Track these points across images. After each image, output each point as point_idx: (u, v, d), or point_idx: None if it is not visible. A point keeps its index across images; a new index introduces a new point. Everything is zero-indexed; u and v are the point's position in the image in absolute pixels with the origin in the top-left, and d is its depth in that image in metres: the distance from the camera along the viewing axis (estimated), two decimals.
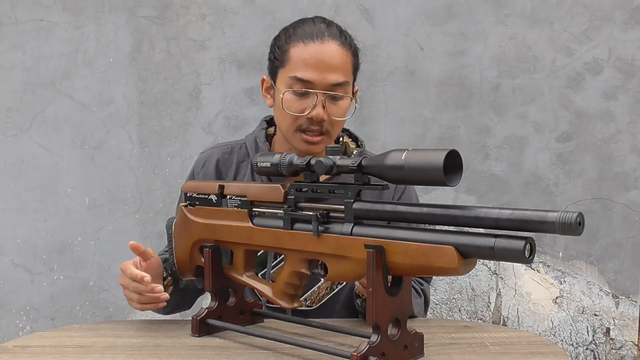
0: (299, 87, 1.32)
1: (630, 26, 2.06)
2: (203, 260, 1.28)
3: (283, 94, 1.34)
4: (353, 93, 1.40)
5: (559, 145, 2.09)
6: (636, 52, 2.06)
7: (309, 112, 1.32)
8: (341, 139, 1.49)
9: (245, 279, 1.25)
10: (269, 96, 1.42)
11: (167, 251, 1.58)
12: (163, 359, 1.14)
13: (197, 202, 1.29)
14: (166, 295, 1.26)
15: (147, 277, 1.24)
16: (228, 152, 1.51)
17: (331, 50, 1.33)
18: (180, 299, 1.43)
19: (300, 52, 1.33)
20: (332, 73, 1.32)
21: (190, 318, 1.28)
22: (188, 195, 1.31)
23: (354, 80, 1.40)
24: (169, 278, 1.39)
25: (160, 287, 1.26)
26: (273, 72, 1.39)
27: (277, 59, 1.37)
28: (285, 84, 1.34)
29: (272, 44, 1.40)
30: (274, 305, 1.36)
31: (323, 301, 1.43)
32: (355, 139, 1.50)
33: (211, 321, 1.25)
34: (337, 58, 1.33)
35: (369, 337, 1.01)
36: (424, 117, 2.11)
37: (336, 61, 1.33)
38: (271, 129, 1.51)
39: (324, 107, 1.32)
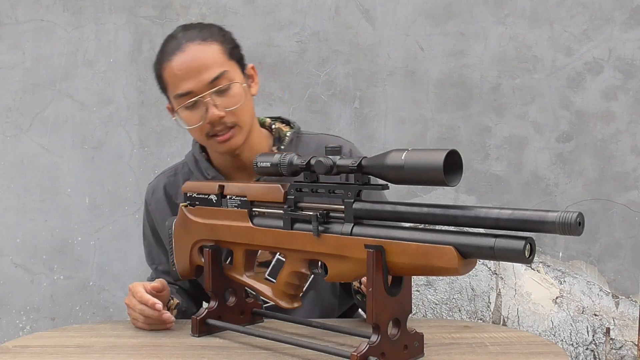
0: (184, 101, 1.33)
1: (630, 26, 2.06)
2: (203, 260, 1.28)
3: (178, 114, 1.35)
4: (245, 73, 1.39)
5: (559, 145, 2.09)
6: (636, 52, 2.06)
7: (205, 118, 1.32)
8: (273, 126, 1.49)
9: (245, 279, 1.25)
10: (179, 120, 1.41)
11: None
12: (163, 359, 1.14)
13: (197, 202, 1.29)
14: (172, 320, 1.30)
15: (159, 304, 1.26)
16: (173, 175, 1.52)
17: (192, 53, 1.33)
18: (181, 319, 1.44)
19: (169, 71, 1.34)
20: (203, 72, 1.32)
21: (190, 318, 1.29)
22: (188, 195, 1.31)
23: (239, 62, 1.39)
24: (173, 300, 1.40)
25: (168, 314, 1.29)
26: (168, 99, 1.40)
27: (162, 88, 1.39)
28: (176, 104, 1.35)
29: (154, 74, 1.41)
30: (270, 303, 1.37)
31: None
32: (287, 122, 1.50)
33: (211, 321, 1.25)
34: (201, 56, 1.33)
35: (369, 337, 1.01)
36: (424, 117, 2.11)
37: (201, 60, 1.33)
38: None
39: (215, 105, 1.32)
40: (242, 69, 1.40)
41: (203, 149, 1.48)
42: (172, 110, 1.41)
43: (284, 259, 1.20)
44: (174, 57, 1.33)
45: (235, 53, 1.39)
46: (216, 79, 1.32)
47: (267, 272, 1.43)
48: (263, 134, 1.47)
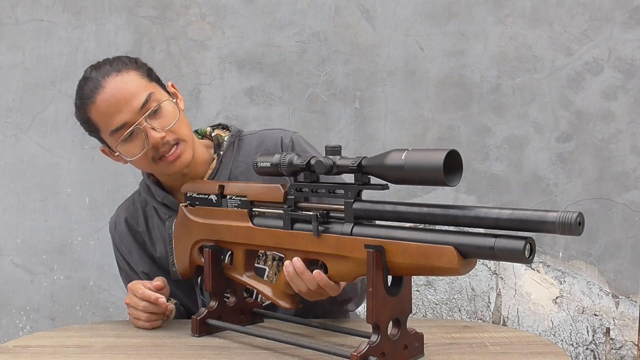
0: (122, 134, 1.30)
1: (630, 26, 2.06)
2: (203, 260, 1.28)
3: (117, 150, 1.32)
4: (169, 92, 1.37)
5: (559, 145, 2.09)
6: (636, 52, 2.06)
7: (148, 144, 1.30)
8: (212, 134, 1.46)
9: (245, 279, 1.25)
10: (121, 159, 1.38)
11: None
12: (163, 359, 1.14)
13: (197, 202, 1.29)
14: (172, 306, 1.32)
15: (162, 298, 1.27)
16: (131, 204, 1.51)
17: (113, 86, 1.30)
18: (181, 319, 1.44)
19: (96, 111, 1.31)
20: (131, 100, 1.29)
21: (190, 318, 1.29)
22: (188, 195, 1.31)
23: (159, 83, 1.37)
24: (171, 300, 1.41)
25: (171, 305, 1.31)
26: (102, 141, 1.37)
27: (92, 131, 1.36)
28: (114, 141, 1.32)
29: (78, 119, 1.37)
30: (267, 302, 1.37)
31: None
32: (225, 127, 1.47)
33: (211, 321, 1.25)
34: (123, 86, 1.30)
35: (369, 337, 1.01)
36: (424, 117, 2.11)
37: (125, 90, 1.30)
38: None
39: (153, 128, 1.29)
40: (164, 88, 1.37)
41: (150, 174, 1.45)
42: (108, 151, 1.37)
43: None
44: (96, 97, 1.30)
45: (152, 75, 1.36)
46: (145, 103, 1.30)
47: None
48: (204, 144, 1.44)
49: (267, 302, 1.37)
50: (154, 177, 1.45)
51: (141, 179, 1.49)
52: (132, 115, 1.29)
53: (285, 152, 1.12)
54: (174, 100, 1.35)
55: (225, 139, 1.43)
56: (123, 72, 1.31)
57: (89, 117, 1.32)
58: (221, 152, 1.41)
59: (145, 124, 1.29)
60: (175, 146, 1.32)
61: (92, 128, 1.34)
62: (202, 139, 1.46)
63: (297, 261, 1.11)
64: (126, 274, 1.53)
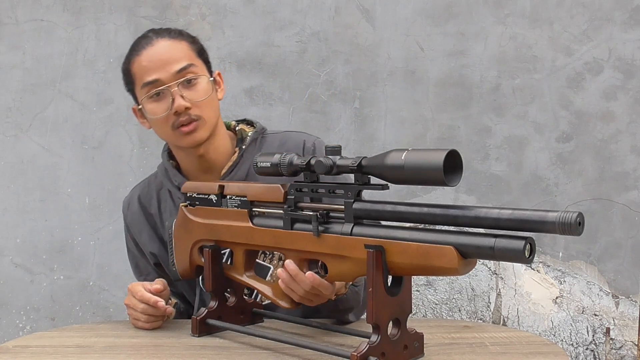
0: (151, 89, 1.35)
1: (630, 26, 2.06)
2: (203, 260, 1.28)
3: (142, 104, 1.37)
4: (212, 75, 1.42)
5: (559, 145, 2.09)
6: (636, 52, 2.06)
7: (171, 108, 1.34)
8: (237, 128, 1.50)
9: (245, 279, 1.25)
10: (145, 121, 1.43)
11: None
12: (163, 359, 1.14)
13: (197, 202, 1.29)
14: (172, 311, 1.32)
15: (161, 301, 1.27)
16: (146, 186, 1.53)
17: (161, 46, 1.37)
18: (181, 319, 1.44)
19: (138, 63, 1.37)
20: (172, 63, 1.35)
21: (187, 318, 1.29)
22: (188, 195, 1.31)
23: (207, 64, 1.43)
24: (172, 300, 1.41)
25: (170, 308, 1.31)
26: (134, 97, 1.42)
27: (129, 83, 1.41)
28: (142, 95, 1.37)
29: (122, 73, 1.44)
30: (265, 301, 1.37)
31: None
32: (250, 123, 1.51)
33: (211, 321, 1.25)
34: (171, 50, 1.37)
35: (369, 337, 1.01)
36: (424, 117, 2.11)
37: (170, 53, 1.37)
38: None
39: (182, 96, 1.34)
40: (210, 72, 1.42)
41: (171, 157, 1.49)
42: (137, 110, 1.42)
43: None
44: (143, 51, 1.37)
45: (203, 54, 1.43)
46: (183, 70, 1.36)
47: None
48: (228, 136, 1.48)
49: (267, 302, 1.37)
50: (175, 161, 1.48)
51: (160, 162, 1.52)
52: (166, 75, 1.34)
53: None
54: (212, 80, 1.40)
55: (250, 134, 1.46)
56: (175, 39, 1.39)
57: (130, 68, 1.39)
58: (243, 147, 1.44)
59: (175, 88, 1.34)
60: (194, 121, 1.36)
61: (129, 80, 1.40)
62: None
63: (290, 263, 1.12)
64: (133, 256, 1.55)
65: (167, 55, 1.36)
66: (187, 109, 1.34)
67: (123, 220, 1.55)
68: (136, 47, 1.39)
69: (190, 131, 1.36)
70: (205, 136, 1.38)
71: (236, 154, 1.44)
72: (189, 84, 1.36)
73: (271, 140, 1.47)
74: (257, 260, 1.31)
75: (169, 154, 1.49)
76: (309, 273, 1.10)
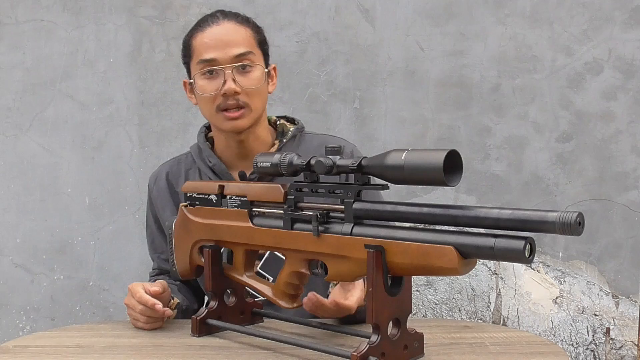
0: (205, 67, 1.38)
1: (630, 26, 2.06)
2: (203, 260, 1.28)
3: (194, 79, 1.40)
4: (267, 67, 1.45)
5: (559, 145, 2.09)
6: (636, 52, 2.06)
7: (221, 89, 1.37)
8: (278, 122, 1.54)
9: (245, 279, 1.25)
10: (192, 96, 1.47)
11: (154, 275, 1.60)
12: (163, 359, 1.14)
13: (197, 202, 1.29)
14: (171, 314, 1.32)
15: (159, 305, 1.27)
16: (176, 164, 1.56)
17: (227, 27, 1.40)
18: (182, 319, 1.44)
19: (199, 39, 1.40)
20: (233, 47, 1.38)
21: (190, 317, 1.29)
22: (188, 195, 1.31)
23: (265, 55, 1.46)
24: (173, 300, 1.41)
25: (169, 311, 1.31)
26: (188, 70, 1.46)
27: (186, 56, 1.45)
28: (196, 70, 1.41)
29: (182, 46, 1.47)
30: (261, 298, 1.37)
31: None
32: (292, 120, 1.56)
33: (211, 321, 1.25)
34: (234, 33, 1.40)
35: (369, 337, 1.01)
36: (424, 117, 2.11)
37: (234, 36, 1.40)
38: (211, 133, 1.56)
39: (234, 80, 1.37)
40: (266, 64, 1.46)
41: (207, 140, 1.53)
42: (188, 83, 1.46)
43: (279, 254, 1.20)
44: (207, 28, 1.40)
45: (264, 45, 1.46)
46: (241, 55, 1.39)
47: (260, 265, 1.43)
48: (269, 129, 1.52)
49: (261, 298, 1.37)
50: (210, 143, 1.52)
51: (193, 143, 1.56)
52: (224, 57, 1.37)
53: None
54: (266, 71, 1.43)
55: (291, 129, 1.51)
56: (241, 24, 1.42)
57: (191, 42, 1.42)
58: (284, 140, 1.48)
59: (229, 71, 1.37)
60: (241, 108, 1.39)
61: (187, 53, 1.44)
62: None
63: (313, 296, 1.15)
64: (151, 232, 1.57)
65: (229, 37, 1.39)
66: (236, 93, 1.37)
67: (147, 194, 1.58)
68: (201, 24, 1.42)
69: (234, 117, 1.39)
70: (247, 124, 1.42)
71: (275, 146, 1.48)
72: (243, 70, 1.39)
73: (309, 139, 1.52)
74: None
75: (206, 136, 1.53)
76: (332, 300, 1.14)
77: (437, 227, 1.00)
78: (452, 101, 2.10)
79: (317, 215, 1.07)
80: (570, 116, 2.09)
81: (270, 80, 1.47)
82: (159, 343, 1.23)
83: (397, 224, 1.07)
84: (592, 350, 2.10)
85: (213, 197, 1.26)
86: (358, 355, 0.98)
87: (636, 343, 2.09)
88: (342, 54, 2.11)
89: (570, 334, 2.10)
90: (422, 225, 1.06)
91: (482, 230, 0.92)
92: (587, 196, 2.09)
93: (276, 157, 1.12)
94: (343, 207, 1.06)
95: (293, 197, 1.12)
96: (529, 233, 0.88)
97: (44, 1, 2.11)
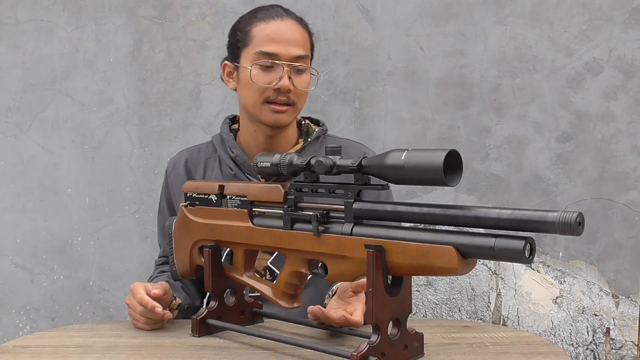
0: (265, 60, 1.40)
1: (630, 26, 2.06)
2: (203, 260, 1.28)
3: (251, 68, 1.41)
4: (316, 76, 1.49)
5: (559, 145, 2.09)
6: (636, 52, 2.06)
7: (276, 83, 1.40)
8: (303, 122, 1.58)
9: (245, 279, 1.25)
10: (231, 80, 1.49)
11: (160, 264, 1.61)
12: (163, 359, 1.14)
13: (197, 202, 1.29)
14: (170, 316, 1.32)
15: (159, 307, 1.27)
16: (196, 152, 1.59)
17: (291, 26, 1.43)
18: (184, 318, 1.44)
19: (263, 29, 1.42)
20: (294, 47, 1.42)
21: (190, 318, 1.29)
22: (188, 195, 1.31)
23: (312, 59, 1.50)
24: (175, 301, 1.41)
25: (169, 314, 1.31)
26: (235, 55, 1.46)
27: (239, 40, 1.45)
28: (251, 60, 1.42)
29: (232, 29, 1.49)
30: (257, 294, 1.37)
31: None
32: (316, 122, 1.59)
33: (211, 321, 1.25)
34: (297, 34, 1.44)
35: (369, 337, 1.01)
36: (424, 117, 2.11)
37: (297, 36, 1.43)
38: (235, 125, 1.59)
39: (289, 78, 1.40)
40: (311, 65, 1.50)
41: (231, 130, 1.56)
42: (230, 64, 1.47)
43: None
44: (271, 21, 1.42)
45: (313, 50, 1.50)
46: (300, 58, 1.42)
47: (270, 260, 1.44)
48: (295, 128, 1.56)
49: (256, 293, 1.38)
50: (234, 135, 1.55)
51: (215, 134, 1.58)
52: (285, 55, 1.40)
53: None
54: (315, 78, 1.48)
55: (316, 130, 1.55)
56: (303, 28, 1.47)
57: (250, 29, 1.43)
58: (308, 140, 1.52)
59: (287, 68, 1.40)
60: (288, 106, 1.43)
61: (242, 38, 1.44)
62: None
63: (318, 310, 1.19)
64: (163, 217, 1.58)
65: (293, 37, 1.42)
66: (289, 90, 1.41)
67: (164, 179, 1.60)
68: (264, 14, 1.44)
69: (280, 111, 1.42)
70: (288, 121, 1.46)
71: (299, 145, 1.52)
72: (298, 72, 1.43)
73: (331, 142, 1.54)
74: None
75: (229, 127, 1.56)
76: (340, 316, 1.16)
77: (437, 227, 1.00)
78: (452, 101, 2.10)
79: (317, 215, 1.07)
80: (570, 116, 2.09)
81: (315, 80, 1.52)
82: (159, 343, 1.23)
83: (397, 223, 1.07)
84: (592, 350, 2.10)
85: (213, 197, 1.26)
86: (358, 355, 0.98)
87: (636, 343, 2.09)
88: (342, 54, 2.11)
89: (570, 334, 2.10)
90: (422, 225, 1.07)
91: (482, 230, 0.92)
92: (587, 196, 2.09)
93: (276, 157, 1.12)
94: (343, 207, 1.06)
95: (293, 197, 1.12)
96: (529, 233, 0.88)
97: (44, 1, 2.11)
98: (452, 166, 0.93)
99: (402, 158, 0.95)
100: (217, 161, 1.54)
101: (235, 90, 1.49)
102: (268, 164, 1.13)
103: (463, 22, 2.09)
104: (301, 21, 1.47)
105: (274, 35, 1.41)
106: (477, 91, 2.10)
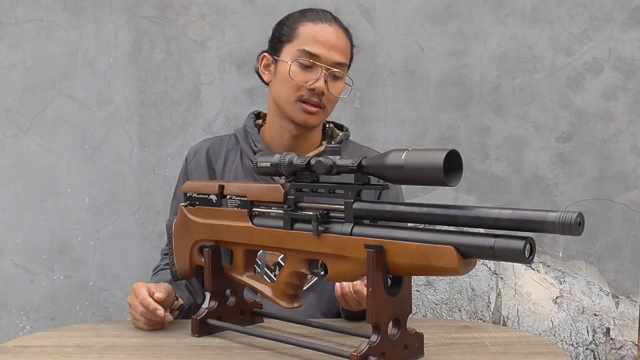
0: (306, 59, 1.43)
1: (630, 26, 2.06)
2: (203, 260, 1.28)
3: (291, 63, 1.43)
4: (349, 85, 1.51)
5: (559, 145, 2.09)
6: (636, 52, 2.06)
7: (312, 83, 1.43)
8: (327, 125, 1.61)
9: (245, 279, 1.25)
10: (267, 72, 1.52)
11: (167, 254, 1.61)
12: (163, 359, 1.14)
13: (197, 202, 1.29)
14: (170, 318, 1.32)
15: (160, 310, 1.27)
16: (217, 142, 1.61)
17: (337, 33, 1.46)
18: (185, 318, 1.44)
19: (310, 29, 1.45)
20: (337, 52, 1.45)
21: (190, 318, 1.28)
22: (188, 195, 1.31)
23: (349, 69, 1.53)
24: (177, 301, 1.41)
25: (169, 317, 1.31)
26: (276, 49, 1.49)
27: (284, 35, 1.48)
28: (292, 57, 1.44)
29: (278, 23, 1.52)
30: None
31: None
32: (340, 127, 1.62)
33: (211, 321, 1.25)
34: (342, 41, 1.47)
35: (369, 337, 1.01)
36: (424, 117, 2.11)
37: (341, 43, 1.46)
38: (259, 121, 1.61)
39: (325, 81, 1.43)
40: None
41: (255, 125, 1.58)
42: (269, 56, 1.49)
43: None
44: (320, 23, 1.45)
45: (351, 62, 1.54)
46: (339, 65, 1.46)
47: (281, 257, 1.44)
48: (319, 129, 1.58)
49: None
50: (259, 130, 1.57)
51: (239, 127, 1.61)
52: (327, 59, 1.43)
53: None
54: (348, 87, 1.51)
55: (340, 134, 1.59)
56: (348, 38, 1.50)
57: (297, 27, 1.46)
58: (332, 142, 1.55)
59: (326, 72, 1.44)
60: (319, 108, 1.45)
61: (289, 33, 1.47)
62: None
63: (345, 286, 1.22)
64: (177, 203, 1.58)
65: (337, 43, 1.45)
66: (323, 93, 1.43)
67: (183, 165, 1.62)
68: (313, 15, 1.47)
69: (311, 112, 1.44)
70: (316, 123, 1.48)
71: (322, 147, 1.55)
72: (334, 77, 1.46)
73: (353, 147, 1.58)
74: None
75: (255, 122, 1.59)
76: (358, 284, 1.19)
77: (437, 227, 1.00)
78: (452, 101, 2.10)
79: (317, 215, 1.07)
80: (570, 116, 2.09)
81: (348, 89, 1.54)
82: (159, 343, 1.23)
83: (397, 224, 1.07)
84: (592, 350, 2.10)
85: (213, 197, 1.26)
86: (358, 355, 0.98)
87: (636, 343, 2.09)
88: None
89: (570, 334, 2.10)
90: (422, 225, 1.07)
91: (482, 230, 0.92)
92: (587, 196, 2.09)
93: (276, 157, 1.12)
94: (343, 207, 1.06)
95: (293, 197, 1.12)
96: (529, 233, 0.88)
97: (44, 1, 2.11)
98: (452, 166, 0.93)
99: (402, 158, 0.95)
100: (239, 154, 1.56)
101: (269, 84, 1.52)
102: (268, 164, 1.13)
103: (463, 22, 2.09)
104: (347, 31, 1.51)
105: (320, 37, 1.44)
106: (477, 91, 2.10)
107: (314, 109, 1.44)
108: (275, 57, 1.48)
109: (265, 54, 1.52)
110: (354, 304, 1.24)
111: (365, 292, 1.11)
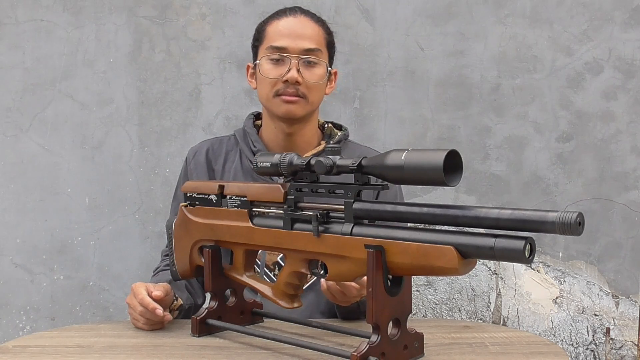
0: (274, 53, 1.44)
1: (630, 26, 2.06)
2: (203, 260, 1.28)
3: (260, 62, 1.46)
4: (330, 71, 1.51)
5: (559, 145, 2.09)
6: (636, 52, 2.06)
7: (284, 76, 1.43)
8: (326, 125, 1.60)
9: (245, 279, 1.25)
10: (253, 80, 1.54)
11: (167, 255, 1.61)
12: (163, 359, 1.14)
13: (197, 202, 1.29)
14: (170, 318, 1.32)
15: (160, 310, 1.27)
16: (217, 143, 1.62)
17: (302, 21, 1.47)
18: (185, 318, 1.44)
19: (274, 26, 1.47)
20: (304, 40, 1.45)
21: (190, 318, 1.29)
22: (188, 195, 1.31)
23: (330, 57, 1.52)
24: (177, 301, 1.41)
25: (168, 316, 1.31)
26: (255, 54, 1.52)
27: (256, 39, 1.51)
28: (263, 53, 1.47)
29: (254, 33, 1.54)
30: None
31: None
32: (339, 127, 1.62)
33: (211, 321, 1.25)
34: (309, 28, 1.47)
35: (369, 337, 1.01)
36: (424, 117, 2.11)
37: (308, 31, 1.46)
38: (258, 122, 1.63)
39: (298, 70, 1.43)
40: (329, 64, 1.52)
41: (254, 126, 1.59)
42: (251, 67, 1.53)
43: None
44: (284, 17, 1.47)
45: (331, 48, 1.53)
46: (310, 51, 1.45)
47: (281, 256, 1.44)
48: (317, 130, 1.58)
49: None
50: (258, 130, 1.58)
51: (238, 128, 1.62)
52: (294, 48, 1.44)
53: None
54: (329, 72, 1.49)
55: (339, 134, 1.58)
56: (316, 23, 1.50)
57: (265, 27, 1.49)
58: (331, 142, 1.55)
59: (295, 61, 1.43)
60: (298, 97, 1.45)
61: (259, 37, 1.50)
62: None
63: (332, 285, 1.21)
64: (178, 204, 1.57)
65: (303, 31, 1.45)
66: (297, 82, 1.43)
67: (183, 166, 1.63)
68: (279, 13, 1.49)
69: (290, 101, 1.45)
70: (301, 113, 1.47)
71: (321, 146, 1.54)
72: (308, 64, 1.45)
73: (353, 147, 1.58)
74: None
75: (254, 123, 1.60)
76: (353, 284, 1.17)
77: (437, 227, 1.00)
78: (452, 101, 2.10)
79: (317, 215, 1.07)
80: (570, 116, 2.09)
81: (329, 83, 1.53)
82: (159, 343, 1.23)
83: (397, 224, 1.07)
84: (592, 350, 2.10)
85: (213, 197, 1.26)
86: (358, 355, 0.98)
87: (636, 343, 2.09)
88: (342, 54, 2.11)
89: (570, 334, 2.10)
90: (422, 225, 1.06)
91: (482, 230, 0.92)
92: (587, 196, 2.09)
93: (276, 157, 1.12)
94: (343, 207, 1.06)
95: (293, 197, 1.12)
96: (529, 233, 0.88)
97: (44, 1, 2.11)
98: (452, 166, 0.93)
99: (402, 158, 0.95)
100: (238, 154, 1.57)
101: (255, 89, 1.55)
102: (268, 164, 1.13)
103: (463, 22, 2.09)
104: (317, 19, 1.51)
105: (284, 30, 1.45)
106: (477, 91, 2.10)
107: (292, 98, 1.45)
108: (255, 63, 1.51)
109: (249, 63, 1.56)
110: (339, 296, 1.22)
111: (348, 283, 1.13)
